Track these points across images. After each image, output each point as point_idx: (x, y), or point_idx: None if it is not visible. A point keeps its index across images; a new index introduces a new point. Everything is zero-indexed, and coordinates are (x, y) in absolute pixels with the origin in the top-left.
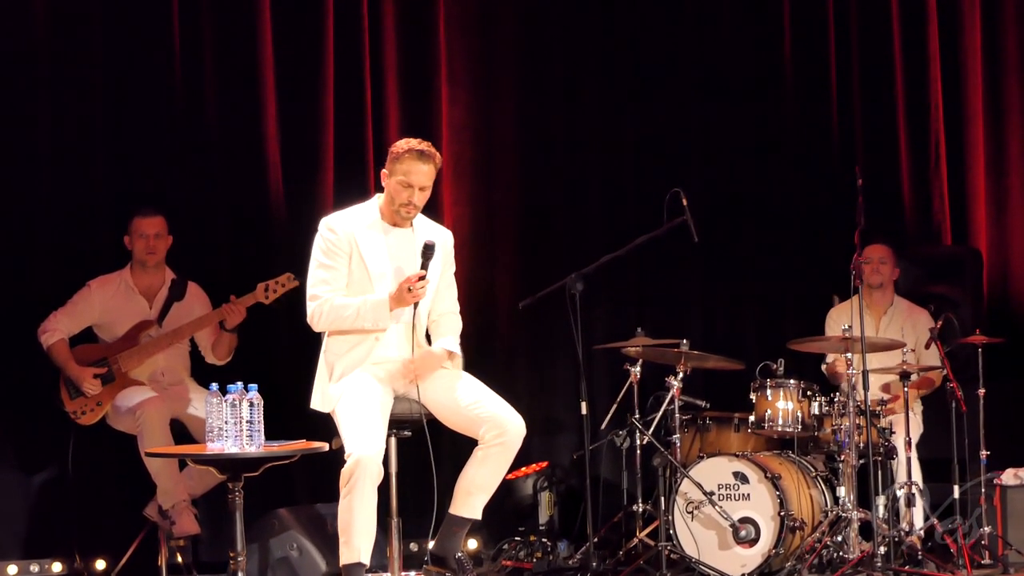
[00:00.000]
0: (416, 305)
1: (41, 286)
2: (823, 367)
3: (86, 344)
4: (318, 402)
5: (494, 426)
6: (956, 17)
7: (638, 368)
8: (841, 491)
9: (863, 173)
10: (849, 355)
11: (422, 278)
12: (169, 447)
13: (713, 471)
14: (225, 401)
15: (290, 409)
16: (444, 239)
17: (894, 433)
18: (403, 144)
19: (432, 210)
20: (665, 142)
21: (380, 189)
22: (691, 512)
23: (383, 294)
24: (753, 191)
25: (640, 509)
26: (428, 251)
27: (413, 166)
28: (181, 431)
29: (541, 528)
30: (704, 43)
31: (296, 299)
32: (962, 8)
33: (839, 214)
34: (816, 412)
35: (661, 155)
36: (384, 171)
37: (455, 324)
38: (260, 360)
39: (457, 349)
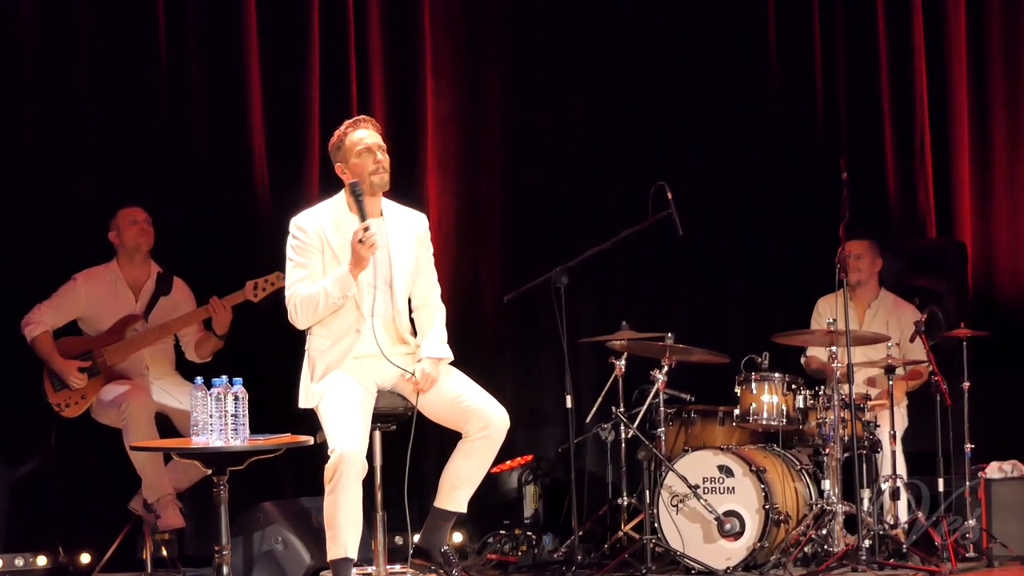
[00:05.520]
0: (392, 291)
1: (25, 280)
2: (802, 359)
3: (70, 337)
4: (304, 400)
5: (478, 419)
6: (941, 10)
7: (623, 361)
8: (826, 484)
9: (848, 166)
10: (833, 348)
11: (366, 229)
12: (154, 441)
13: (698, 464)
14: (210, 395)
15: (275, 403)
16: (418, 224)
17: (879, 427)
18: (336, 132)
19: (417, 202)
20: (650, 135)
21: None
22: (676, 505)
23: (343, 267)
24: (738, 184)
25: (625, 502)
26: (357, 195)
27: (359, 134)
28: (166, 425)
29: (526, 521)
30: (689, 36)
31: (282, 296)
32: (947, 1)
33: (824, 207)
34: (801, 405)
35: (646, 148)
36: (337, 166)
37: (439, 315)
38: (245, 354)
39: (448, 354)
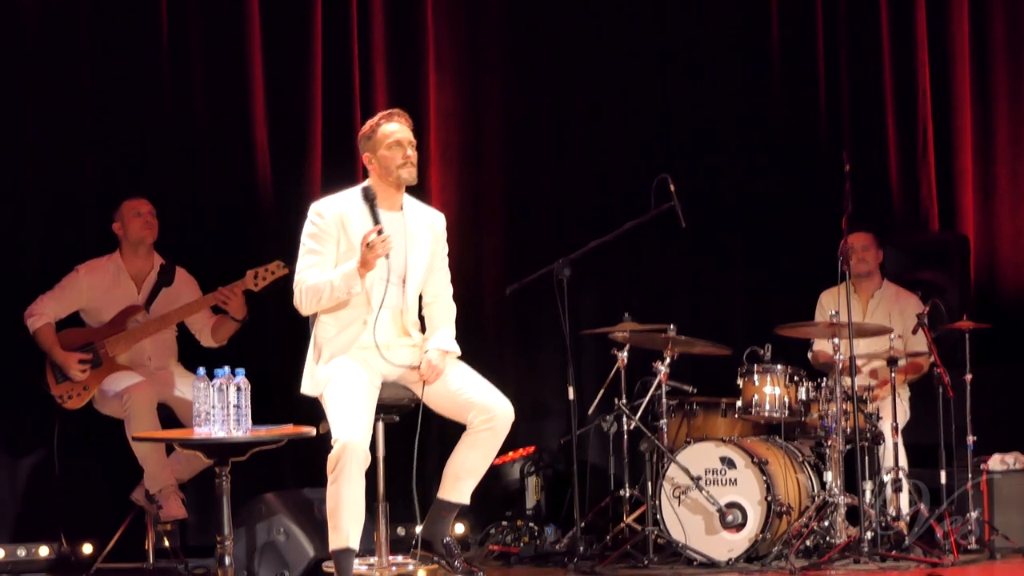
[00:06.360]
0: (404, 286)
1: (27, 273)
2: (809, 355)
3: (72, 328)
4: (307, 386)
5: (482, 411)
6: (944, 3)
7: (625, 353)
8: (828, 476)
9: (850, 159)
10: (836, 340)
11: (379, 232)
12: (156, 432)
13: (700, 456)
14: (212, 386)
15: (278, 394)
16: (436, 222)
17: (881, 419)
18: (368, 122)
19: (420, 195)
20: (653, 127)
21: (367, 175)
22: (678, 497)
23: (352, 264)
24: (740, 176)
25: (627, 494)
26: (369, 199)
27: (391, 127)
28: (168, 415)
29: (528, 513)
30: (692, 29)
31: (285, 285)
32: None
33: (826, 200)
34: (803, 397)
35: (649, 140)
36: (365, 155)
37: (449, 312)
38: (248, 345)
39: (455, 348)
